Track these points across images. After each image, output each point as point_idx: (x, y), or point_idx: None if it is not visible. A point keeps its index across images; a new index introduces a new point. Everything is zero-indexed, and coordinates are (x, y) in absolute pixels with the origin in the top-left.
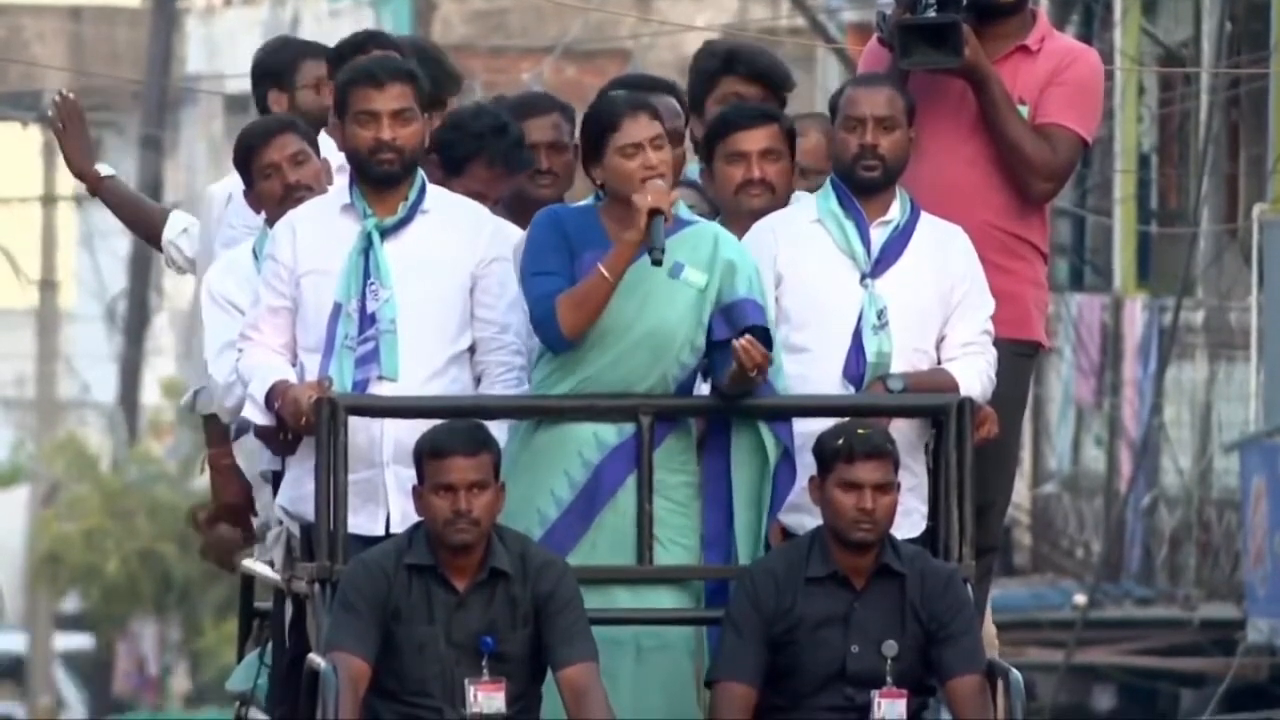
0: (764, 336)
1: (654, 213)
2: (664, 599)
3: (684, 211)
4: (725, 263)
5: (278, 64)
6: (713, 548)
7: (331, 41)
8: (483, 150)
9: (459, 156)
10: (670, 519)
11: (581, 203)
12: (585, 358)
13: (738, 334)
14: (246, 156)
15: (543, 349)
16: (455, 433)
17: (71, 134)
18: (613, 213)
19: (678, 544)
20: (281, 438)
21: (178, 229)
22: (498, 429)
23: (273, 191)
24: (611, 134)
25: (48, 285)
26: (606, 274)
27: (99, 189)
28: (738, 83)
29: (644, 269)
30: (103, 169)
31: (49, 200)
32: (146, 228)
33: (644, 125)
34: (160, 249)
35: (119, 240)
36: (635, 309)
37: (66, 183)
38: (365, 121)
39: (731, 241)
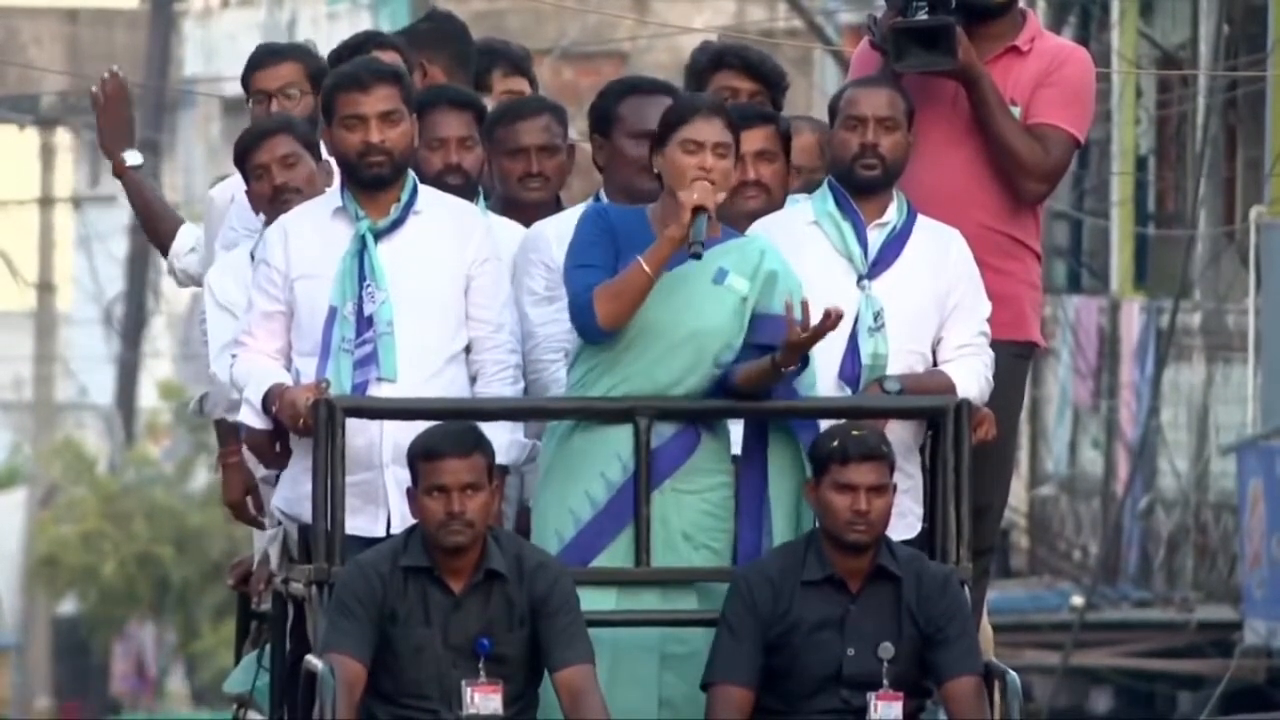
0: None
1: (698, 210)
2: (692, 603)
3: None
4: (768, 273)
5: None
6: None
7: (331, 44)
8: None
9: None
10: (704, 520)
11: (635, 206)
12: (624, 358)
13: (755, 349)
14: (241, 157)
15: (578, 349)
16: (448, 434)
17: (110, 112)
18: (663, 209)
19: (708, 547)
20: (274, 447)
21: (186, 247)
22: (517, 429)
23: (262, 192)
24: (680, 126)
25: (45, 288)
26: (646, 267)
27: (122, 175)
28: (730, 77)
29: (687, 274)
30: (130, 157)
31: (46, 203)
32: (156, 231)
33: (714, 129)
34: (164, 254)
35: (116, 243)
36: (677, 311)
37: (64, 185)
38: (353, 125)
39: (778, 255)
